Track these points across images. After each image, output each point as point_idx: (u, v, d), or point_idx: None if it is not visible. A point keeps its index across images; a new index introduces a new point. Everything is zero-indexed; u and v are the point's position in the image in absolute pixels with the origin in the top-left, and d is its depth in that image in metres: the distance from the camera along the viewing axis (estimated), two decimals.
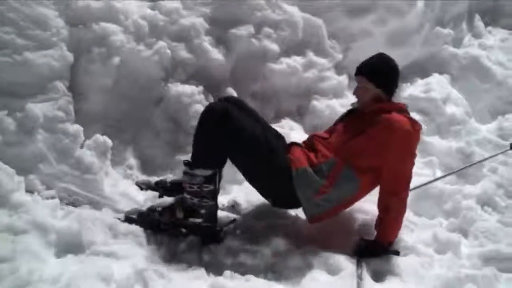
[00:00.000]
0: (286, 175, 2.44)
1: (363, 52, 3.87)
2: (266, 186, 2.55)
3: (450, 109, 3.73)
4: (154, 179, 2.83)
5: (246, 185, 2.94)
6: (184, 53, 3.24)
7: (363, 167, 2.46)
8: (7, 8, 2.67)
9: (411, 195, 2.59)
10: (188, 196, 2.45)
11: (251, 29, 3.41)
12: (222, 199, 2.71)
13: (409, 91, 3.88)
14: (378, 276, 2.34)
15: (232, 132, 2.38)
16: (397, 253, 2.49)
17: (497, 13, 5.04)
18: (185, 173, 2.46)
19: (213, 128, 2.39)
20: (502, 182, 3.15)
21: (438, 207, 2.99)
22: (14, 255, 1.95)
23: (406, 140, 2.44)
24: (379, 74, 2.56)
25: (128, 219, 2.49)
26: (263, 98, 3.48)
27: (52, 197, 2.45)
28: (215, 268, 2.29)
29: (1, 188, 2.22)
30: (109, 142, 2.75)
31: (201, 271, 2.23)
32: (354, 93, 2.64)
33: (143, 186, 2.80)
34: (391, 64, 2.60)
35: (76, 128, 2.69)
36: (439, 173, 3.19)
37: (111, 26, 3.03)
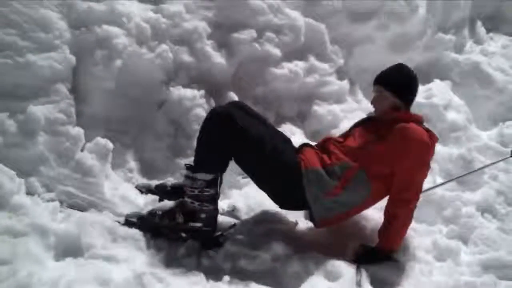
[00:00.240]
0: (294, 174, 2.43)
1: (365, 57, 3.93)
2: (274, 186, 2.52)
3: (451, 115, 3.72)
4: (154, 182, 2.83)
5: (246, 190, 2.95)
6: (186, 57, 3.23)
7: (377, 174, 2.45)
8: (10, 10, 2.68)
9: None
10: (188, 200, 2.45)
11: (253, 33, 3.40)
12: (222, 204, 2.71)
13: None
14: (377, 283, 2.33)
15: (237, 131, 2.37)
16: (396, 260, 2.49)
17: (499, 19, 5.03)
18: (186, 176, 2.46)
19: (216, 130, 2.39)
20: (502, 190, 3.14)
21: (438, 214, 2.98)
22: (14, 257, 1.94)
23: (422, 150, 2.45)
24: (397, 84, 2.59)
25: (128, 223, 2.49)
26: (265, 103, 3.48)
27: (52, 200, 2.44)
28: (214, 273, 2.29)
29: (1, 190, 2.22)
30: (110, 145, 2.74)
31: (200, 276, 2.23)
32: (372, 102, 2.66)
33: (143, 189, 2.81)
34: (411, 75, 2.64)
35: (77, 130, 2.69)
36: (439, 180, 3.19)
37: (113, 29, 3.02)
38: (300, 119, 3.61)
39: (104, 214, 2.51)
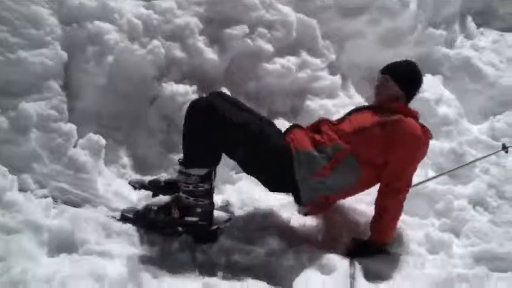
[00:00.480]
0: (284, 156, 2.43)
1: (356, 52, 3.93)
2: (263, 170, 2.50)
3: (442, 109, 3.74)
4: (147, 178, 2.83)
5: (239, 184, 2.96)
6: (178, 53, 3.23)
7: (367, 160, 2.47)
8: (0, 6, 2.66)
9: None
10: (183, 196, 2.44)
11: (245, 29, 3.40)
12: (216, 199, 2.71)
13: None
14: (370, 276, 2.35)
15: (220, 120, 2.34)
16: (389, 253, 2.51)
17: (489, 14, 5.05)
18: (180, 172, 2.45)
19: (200, 121, 2.37)
20: (493, 183, 3.17)
21: (430, 207, 3.00)
22: (7, 254, 1.94)
23: (415, 145, 2.48)
24: (405, 77, 2.64)
25: (124, 218, 2.48)
26: (257, 98, 3.48)
27: (45, 196, 2.44)
28: (208, 268, 2.30)
29: None
30: (103, 141, 2.74)
31: (194, 271, 2.24)
32: (375, 89, 2.68)
33: (137, 185, 2.80)
34: (419, 72, 2.71)
35: (70, 127, 2.68)
36: (431, 174, 3.20)
37: (105, 25, 3.01)
38: (293, 114, 3.61)
39: (98, 209, 2.50)
